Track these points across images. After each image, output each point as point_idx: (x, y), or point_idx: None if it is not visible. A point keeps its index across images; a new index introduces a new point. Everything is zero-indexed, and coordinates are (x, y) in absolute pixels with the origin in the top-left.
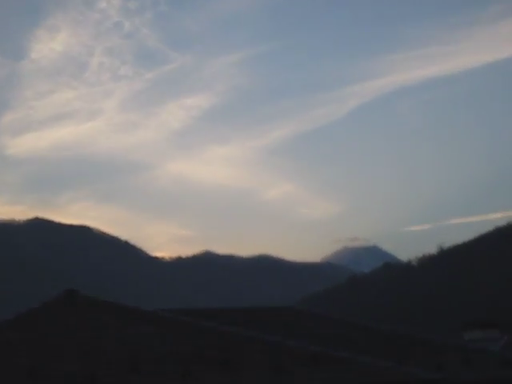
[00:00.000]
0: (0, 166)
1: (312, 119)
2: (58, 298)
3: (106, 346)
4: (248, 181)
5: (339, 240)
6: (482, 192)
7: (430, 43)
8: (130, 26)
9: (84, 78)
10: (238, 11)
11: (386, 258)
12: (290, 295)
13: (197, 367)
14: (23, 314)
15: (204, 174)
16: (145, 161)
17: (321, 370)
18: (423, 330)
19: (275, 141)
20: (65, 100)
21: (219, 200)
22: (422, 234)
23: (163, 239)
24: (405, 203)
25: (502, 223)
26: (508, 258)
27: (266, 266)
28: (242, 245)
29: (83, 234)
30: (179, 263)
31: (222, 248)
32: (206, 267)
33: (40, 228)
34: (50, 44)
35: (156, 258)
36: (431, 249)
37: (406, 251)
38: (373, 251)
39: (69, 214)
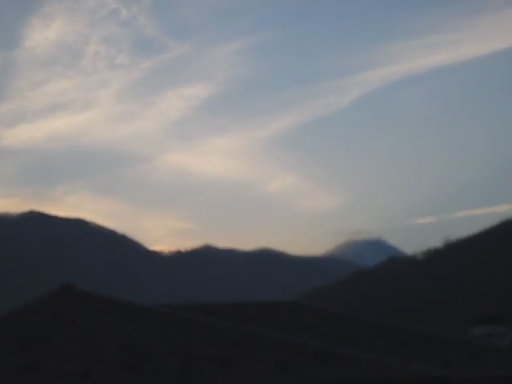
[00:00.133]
0: None
1: (314, 109)
2: (54, 292)
3: (104, 342)
4: (249, 172)
5: (342, 233)
6: (489, 184)
7: (433, 31)
8: (126, 13)
9: (79, 67)
10: None
11: (390, 252)
12: (292, 290)
13: (196, 364)
14: (18, 310)
15: (203, 165)
16: (142, 152)
17: (323, 367)
18: (429, 325)
19: (276, 132)
20: (60, 90)
21: (219, 192)
22: (427, 227)
23: (162, 233)
24: (410, 195)
25: (509, 216)
26: None
27: (267, 260)
28: (243, 238)
29: (79, 227)
30: (178, 257)
31: (222, 241)
32: (206, 261)
33: (35, 221)
34: (45, 32)
35: (154, 252)
36: (437, 242)
37: (412, 244)
38: (377, 245)
39: (64, 206)
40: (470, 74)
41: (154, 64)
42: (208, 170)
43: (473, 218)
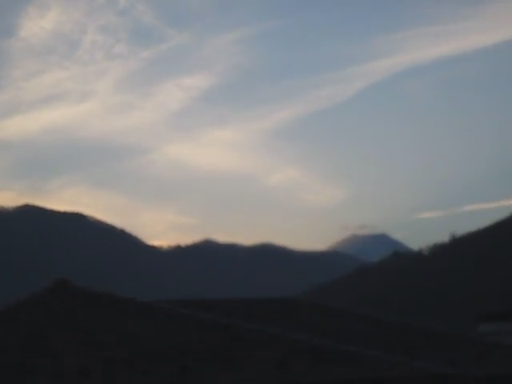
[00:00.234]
0: None
1: (317, 100)
2: (50, 288)
3: (101, 339)
4: (250, 165)
5: (346, 228)
6: (497, 177)
7: (439, 21)
8: (124, 1)
9: (76, 58)
10: None
11: (395, 247)
12: (295, 286)
13: (196, 362)
14: (13, 306)
15: (203, 157)
16: (141, 144)
17: (325, 365)
18: (435, 322)
19: (278, 123)
20: (56, 80)
21: (220, 185)
22: (433, 222)
23: (161, 227)
24: (416, 189)
25: None
26: None
27: (268, 255)
28: (244, 233)
29: (76, 221)
30: (178, 252)
31: (222, 236)
32: (206, 256)
33: (30, 215)
34: (41, 21)
35: (153, 247)
36: (443, 237)
37: (417, 239)
38: (382, 239)
39: (61, 200)
40: (476, 64)
41: (153, 54)
42: (208, 162)
43: (480, 212)
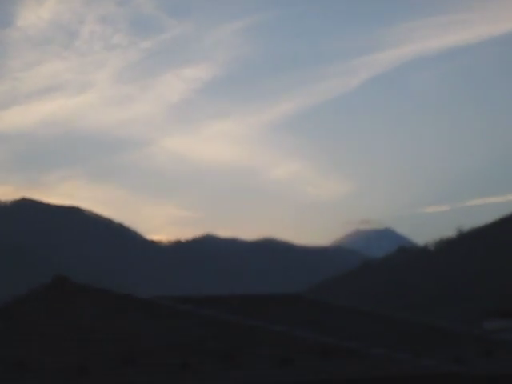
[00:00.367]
0: None
1: (321, 92)
2: (47, 284)
3: (99, 336)
4: (252, 158)
5: (350, 222)
6: (505, 171)
7: (446, 11)
8: None
9: (74, 48)
10: None
11: (400, 242)
12: (297, 282)
13: (196, 359)
14: (9, 303)
15: (204, 150)
16: (140, 137)
17: (329, 362)
18: (440, 319)
19: (281, 116)
20: (54, 71)
21: (221, 179)
22: (439, 216)
23: (160, 221)
24: (421, 183)
25: None
26: None
27: (270, 251)
28: (245, 227)
29: (74, 215)
30: (178, 247)
31: (223, 231)
32: (207, 251)
33: (27, 209)
34: (38, 11)
35: (153, 242)
36: (449, 232)
37: (422, 234)
38: (386, 234)
39: (58, 194)
40: (483, 55)
41: (153, 44)
42: (209, 155)
43: (487, 206)
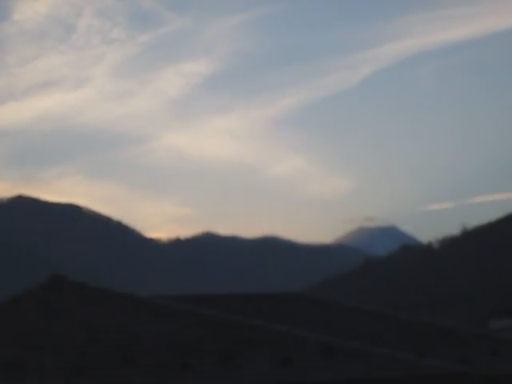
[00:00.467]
0: None
1: (323, 87)
2: (44, 283)
3: (97, 336)
4: (253, 155)
5: (353, 220)
6: (510, 167)
7: (450, 4)
8: None
9: (72, 42)
10: None
11: (404, 240)
12: (299, 280)
13: (196, 359)
14: (6, 302)
15: (204, 147)
16: (139, 133)
17: (332, 363)
18: (445, 318)
19: (282, 111)
20: (51, 66)
21: (221, 176)
22: (443, 213)
23: (159, 219)
24: (425, 179)
25: None
26: None
27: (272, 249)
28: (246, 225)
29: (71, 212)
30: (177, 245)
31: (223, 228)
32: (207, 250)
33: (24, 206)
34: (35, 5)
35: (151, 240)
36: (454, 229)
37: (427, 232)
38: (390, 232)
39: (55, 190)
40: (488, 49)
41: (152, 38)
42: (209, 151)
43: (492, 203)
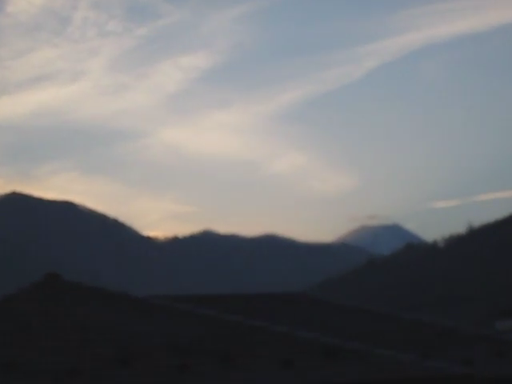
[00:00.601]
0: None
1: (325, 81)
2: (38, 282)
3: (92, 336)
4: (253, 150)
5: (356, 218)
6: None
7: None
8: None
9: (67, 35)
10: None
11: (408, 238)
12: (300, 280)
13: (195, 361)
14: None
15: (203, 142)
16: (136, 128)
17: (333, 364)
18: (449, 318)
19: (283, 105)
20: (45, 59)
21: (220, 172)
22: (448, 211)
23: (157, 216)
24: (430, 176)
25: None
26: None
27: (272, 247)
28: (246, 223)
29: (66, 210)
30: (175, 244)
31: (223, 226)
32: (206, 248)
33: (17, 204)
34: None
35: (149, 238)
36: (459, 227)
37: (431, 230)
38: (394, 230)
39: (50, 187)
40: (495, 42)
41: (149, 31)
42: (208, 147)
43: (499, 200)
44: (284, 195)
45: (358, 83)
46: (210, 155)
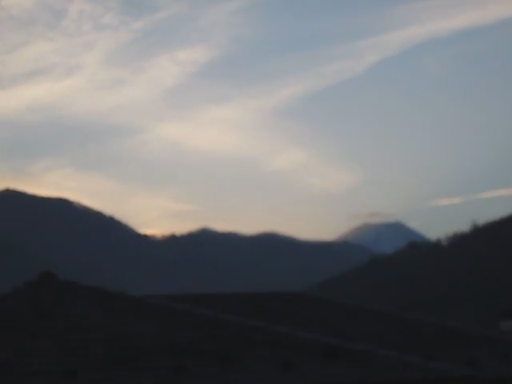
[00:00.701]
0: None
1: (326, 76)
2: (33, 282)
3: (88, 337)
4: (252, 147)
5: (357, 216)
6: None
7: None
8: None
9: (62, 28)
10: None
11: (411, 237)
12: (300, 279)
13: (192, 362)
14: None
15: (201, 138)
16: (132, 123)
17: (335, 365)
18: (453, 318)
19: (283, 101)
20: (40, 53)
21: (219, 169)
22: (452, 209)
23: (154, 214)
24: (433, 173)
25: None
26: None
27: (272, 246)
28: (245, 221)
29: (61, 207)
30: (172, 242)
31: (221, 224)
32: (204, 246)
33: (11, 201)
34: None
35: (145, 236)
36: (463, 225)
37: (435, 228)
38: (396, 228)
39: (45, 184)
40: (497, 36)
41: (146, 24)
42: (206, 143)
43: (503, 198)
44: (284, 192)
45: (360, 78)
46: (208, 151)
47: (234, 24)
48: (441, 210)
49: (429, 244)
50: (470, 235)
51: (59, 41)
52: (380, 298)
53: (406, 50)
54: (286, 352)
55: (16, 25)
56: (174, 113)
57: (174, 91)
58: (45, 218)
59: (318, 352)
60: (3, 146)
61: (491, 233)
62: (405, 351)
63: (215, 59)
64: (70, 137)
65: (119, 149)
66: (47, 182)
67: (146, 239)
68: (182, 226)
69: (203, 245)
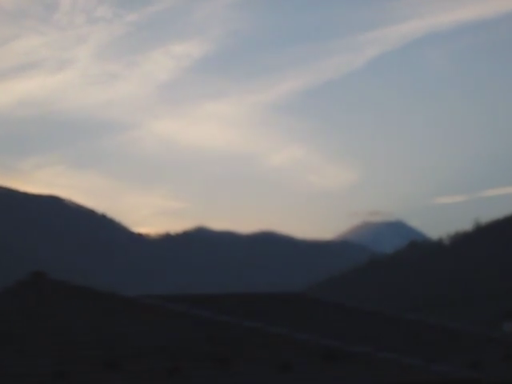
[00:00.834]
0: None
1: (325, 70)
2: (22, 281)
3: (79, 338)
4: (249, 143)
5: (357, 214)
6: None
7: None
8: None
9: (53, 22)
10: None
11: (412, 236)
12: (299, 279)
13: (187, 364)
14: None
15: (196, 135)
16: (126, 119)
17: (334, 367)
18: (455, 320)
19: (281, 96)
20: (31, 47)
21: (215, 166)
22: (454, 207)
23: (148, 212)
24: (435, 171)
25: None
26: None
27: (269, 245)
28: (242, 219)
29: (53, 205)
30: (167, 241)
31: (217, 223)
32: (199, 246)
33: (1, 198)
34: None
35: (139, 235)
36: (466, 224)
37: (436, 227)
38: (397, 227)
39: (35, 181)
40: (499, 30)
41: (140, 18)
42: (202, 139)
43: (506, 196)
44: (282, 190)
45: (359, 72)
46: (204, 148)
47: (230, 17)
48: (443, 209)
49: (430, 243)
50: (473, 234)
51: (51, 34)
52: (380, 298)
53: (406, 44)
54: (285, 354)
55: (7, 18)
56: (169, 108)
57: (169, 86)
58: (36, 216)
59: (317, 354)
60: None
61: (495, 232)
62: (405, 353)
63: (211, 53)
64: (62, 133)
65: (112, 145)
66: (38, 178)
67: (139, 238)
68: (176, 225)
69: (198, 243)
